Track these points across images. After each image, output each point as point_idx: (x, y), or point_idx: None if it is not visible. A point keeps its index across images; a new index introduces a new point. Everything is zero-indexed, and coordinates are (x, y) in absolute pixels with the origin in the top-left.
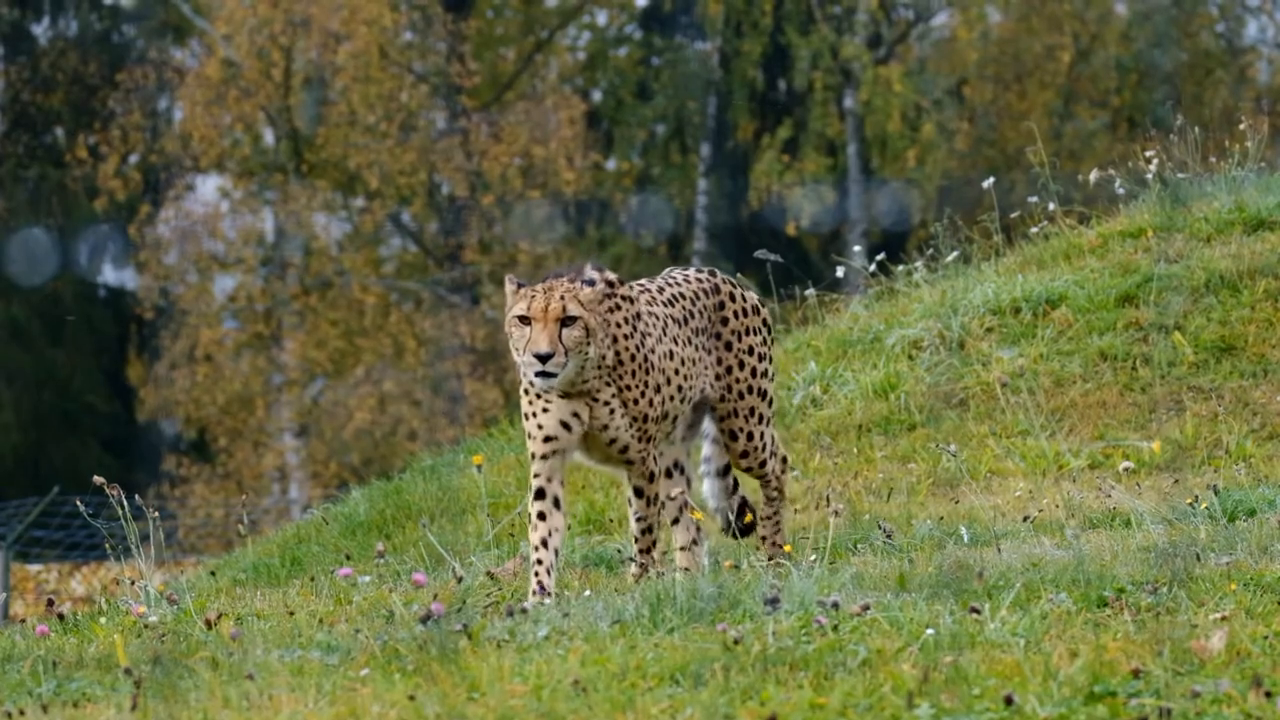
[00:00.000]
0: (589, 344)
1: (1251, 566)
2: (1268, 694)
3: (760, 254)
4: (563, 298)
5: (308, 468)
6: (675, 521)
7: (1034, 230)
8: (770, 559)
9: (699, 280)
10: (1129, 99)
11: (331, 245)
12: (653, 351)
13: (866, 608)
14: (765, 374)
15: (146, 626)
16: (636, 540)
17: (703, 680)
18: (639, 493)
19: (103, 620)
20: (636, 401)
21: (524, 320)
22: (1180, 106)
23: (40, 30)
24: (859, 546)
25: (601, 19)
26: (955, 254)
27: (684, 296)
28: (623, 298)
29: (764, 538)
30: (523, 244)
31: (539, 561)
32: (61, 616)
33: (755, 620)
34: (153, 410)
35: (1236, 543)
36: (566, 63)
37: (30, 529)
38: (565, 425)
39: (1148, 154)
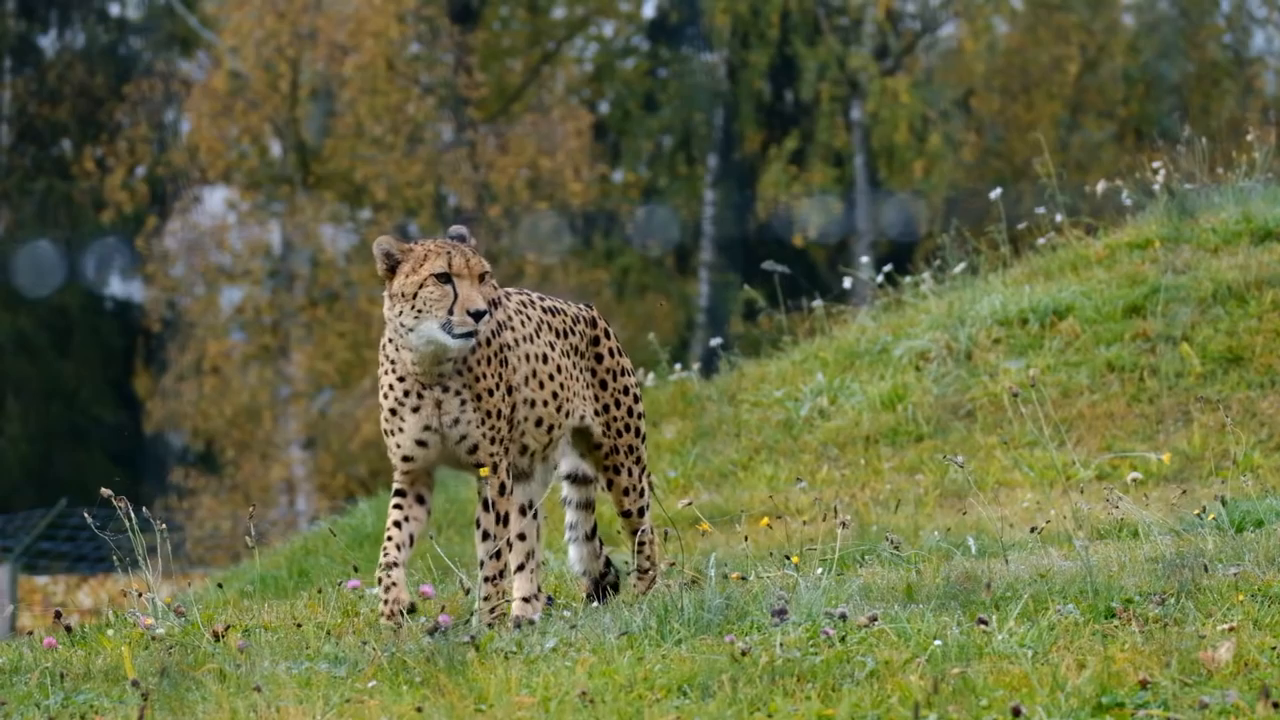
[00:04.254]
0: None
1: (1259, 577)
2: (1275, 705)
3: (767, 265)
4: (476, 253)
5: (315, 480)
6: (520, 569)
7: (1041, 241)
8: None
9: (578, 309)
10: (1136, 110)
11: (338, 257)
12: (508, 347)
13: (874, 619)
14: (641, 417)
15: (154, 638)
16: (482, 565)
17: (710, 692)
18: (487, 505)
19: (110, 632)
20: (491, 393)
21: (443, 278)
22: (1187, 117)
23: (47, 42)
24: (866, 558)
25: (608, 31)
26: (962, 265)
27: (564, 311)
28: (492, 288)
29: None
30: (530, 255)
31: (389, 566)
32: (69, 628)
33: (763, 631)
34: (160, 422)
35: (1244, 554)
36: (573, 74)
37: (38, 541)
38: (421, 443)
39: (1155, 165)
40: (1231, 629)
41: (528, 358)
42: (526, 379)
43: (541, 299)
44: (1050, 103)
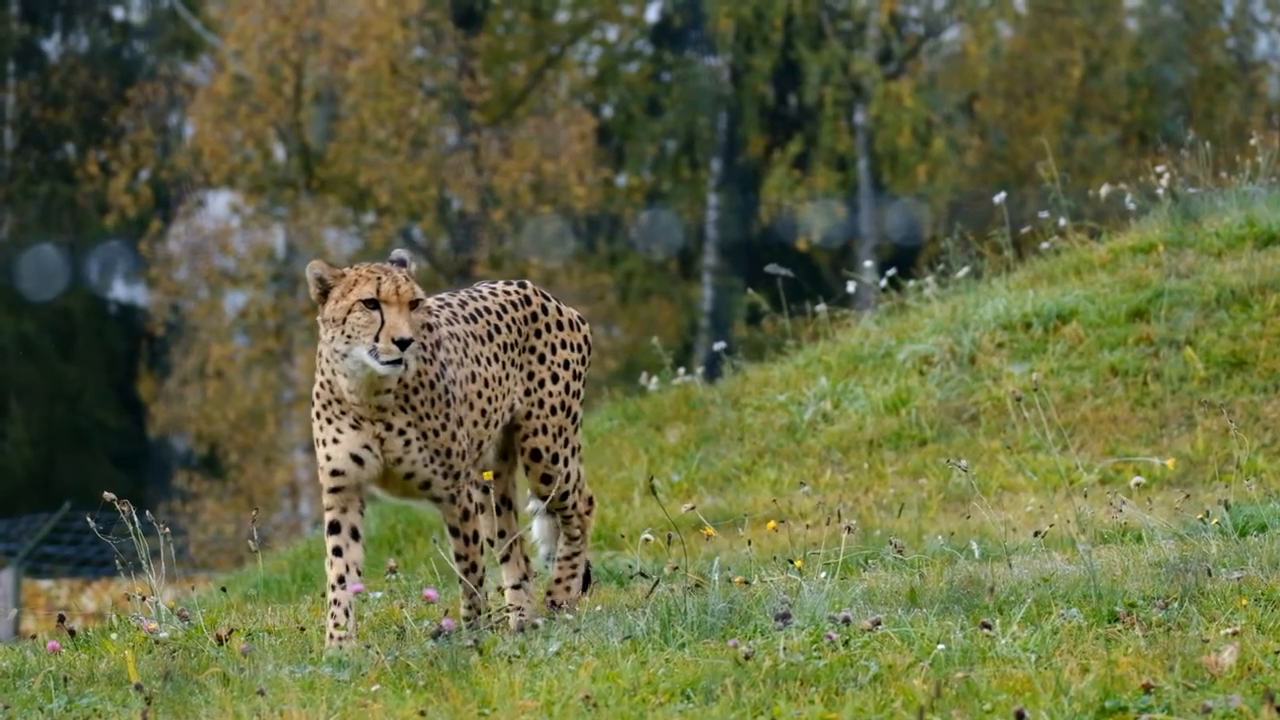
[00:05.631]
0: (426, 328)
1: (1262, 582)
2: (1279, 709)
3: (771, 269)
4: (408, 279)
5: (318, 483)
6: (505, 559)
7: (1045, 245)
8: (554, 604)
9: (507, 293)
10: (1140, 114)
11: (342, 261)
12: (453, 381)
13: (878, 623)
14: (577, 395)
15: (157, 642)
16: (462, 582)
17: (714, 696)
18: (454, 532)
19: (114, 636)
20: (437, 433)
21: (372, 304)
22: (1191, 121)
23: (51, 46)
24: (870, 562)
25: (612, 35)
26: (966, 269)
27: (489, 311)
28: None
29: (557, 579)
30: (533, 259)
31: (335, 603)
32: (72, 632)
33: (766, 636)
34: (163, 426)
35: (1247, 558)
36: (577, 78)
37: (41, 545)
38: (356, 459)
39: (1158, 169)
40: (1235, 633)
41: (458, 382)
42: (461, 417)
43: (463, 304)
44: (1054, 107)
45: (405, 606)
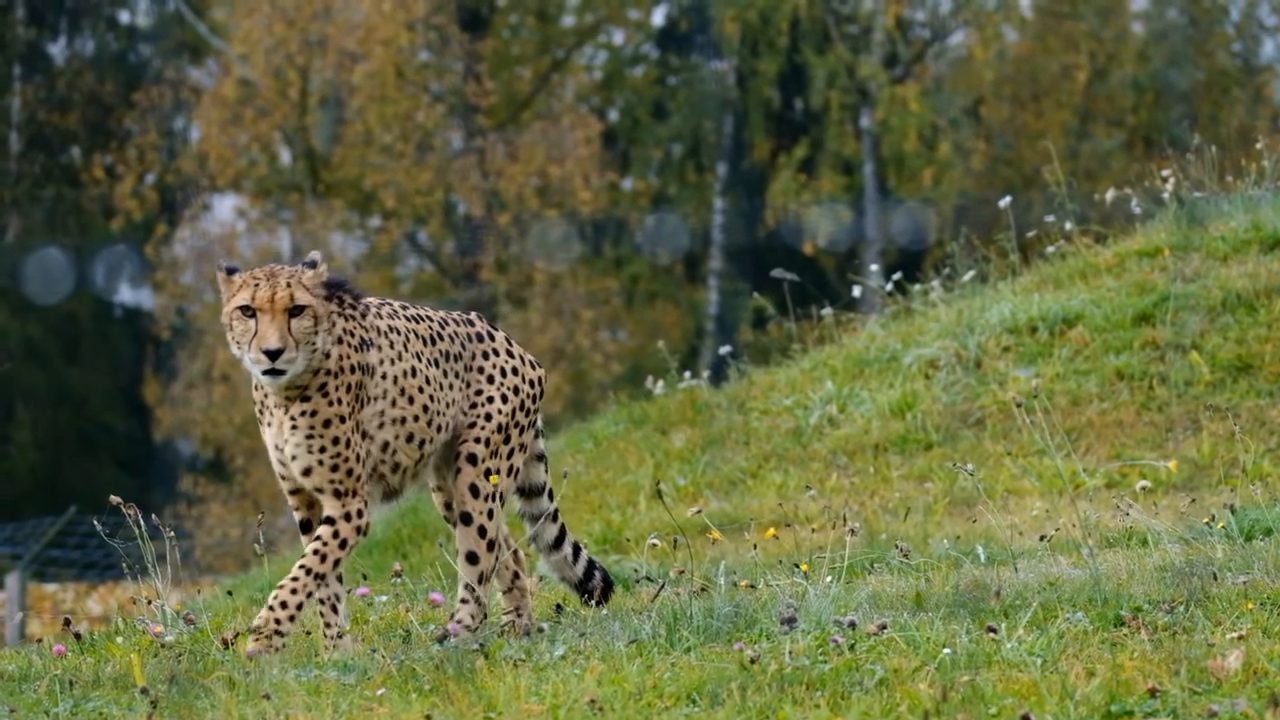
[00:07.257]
0: (317, 333)
1: (1268, 586)
2: None
3: (777, 273)
4: (289, 285)
5: None
6: (508, 591)
7: (1050, 249)
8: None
9: (448, 312)
10: (1145, 118)
11: (348, 265)
12: (377, 368)
13: (883, 627)
14: (520, 429)
15: (163, 646)
16: (302, 565)
17: (719, 700)
18: (329, 520)
19: (119, 640)
20: (342, 420)
21: (247, 311)
22: (1196, 126)
23: (56, 50)
24: (875, 566)
25: (618, 38)
26: (972, 273)
27: (430, 319)
28: (351, 308)
29: (464, 600)
30: (539, 263)
31: (321, 601)
32: (78, 636)
33: (772, 640)
34: (169, 430)
35: (1253, 562)
36: (583, 82)
37: (47, 548)
38: (281, 461)
39: (1164, 173)
40: (1240, 637)
41: (396, 378)
42: (395, 400)
43: (405, 307)
44: (1059, 111)
45: (411, 610)
